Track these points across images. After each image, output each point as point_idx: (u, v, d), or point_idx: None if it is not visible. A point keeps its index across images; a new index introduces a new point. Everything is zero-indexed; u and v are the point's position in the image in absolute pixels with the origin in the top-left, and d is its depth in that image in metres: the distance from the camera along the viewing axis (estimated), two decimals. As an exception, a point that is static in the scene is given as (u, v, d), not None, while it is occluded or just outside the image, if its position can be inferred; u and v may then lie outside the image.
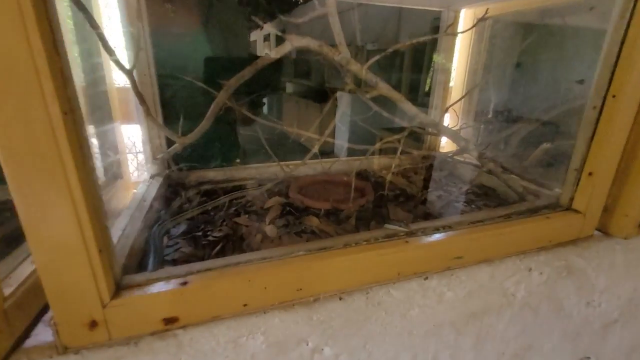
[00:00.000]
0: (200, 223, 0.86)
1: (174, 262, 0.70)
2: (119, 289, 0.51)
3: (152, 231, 0.78)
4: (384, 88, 0.86)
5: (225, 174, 1.18)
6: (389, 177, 1.13)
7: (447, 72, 1.39)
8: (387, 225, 0.73)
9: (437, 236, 0.71)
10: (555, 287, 0.89)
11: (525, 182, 0.98)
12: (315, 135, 0.99)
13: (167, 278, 0.54)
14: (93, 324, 0.49)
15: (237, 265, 0.58)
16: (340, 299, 0.65)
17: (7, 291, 0.49)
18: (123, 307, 0.50)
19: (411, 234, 0.71)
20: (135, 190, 0.95)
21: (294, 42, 0.76)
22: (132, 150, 1.16)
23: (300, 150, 1.34)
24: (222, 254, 0.73)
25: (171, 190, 1.04)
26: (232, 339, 0.59)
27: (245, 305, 0.57)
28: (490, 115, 1.31)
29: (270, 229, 0.81)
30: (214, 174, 1.17)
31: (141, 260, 0.69)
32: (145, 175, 1.06)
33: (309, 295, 0.61)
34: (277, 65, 1.25)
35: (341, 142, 1.07)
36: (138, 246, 0.69)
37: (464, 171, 1.26)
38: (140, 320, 0.52)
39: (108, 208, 0.82)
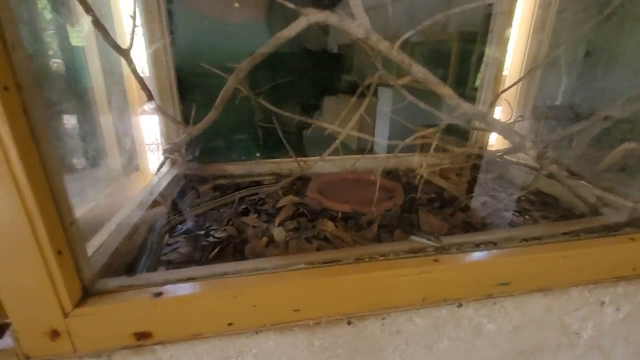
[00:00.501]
0: (207, 220, 0.79)
1: (169, 264, 0.64)
2: (87, 295, 0.45)
3: (154, 227, 0.72)
4: (419, 72, 0.72)
5: (244, 168, 1.12)
6: (423, 172, 0.97)
7: (500, 62, 1.19)
8: (413, 237, 0.60)
9: (477, 255, 0.56)
10: (636, 327, 0.69)
11: (599, 190, 0.77)
12: (337, 128, 0.88)
13: (141, 287, 0.47)
14: (54, 334, 0.43)
15: (222, 277, 0.49)
16: (349, 323, 0.54)
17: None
18: (88, 317, 0.43)
19: (443, 249, 0.57)
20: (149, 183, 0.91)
21: (310, 17, 0.65)
22: (154, 142, 1.14)
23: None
24: (220, 257, 0.65)
25: (186, 183, 0.99)
26: (219, 358, 0.51)
27: (230, 324, 0.48)
28: (553, 107, 1.09)
29: (277, 232, 0.72)
30: (232, 167, 1.11)
31: (136, 259, 0.64)
32: (165, 168, 1.02)
33: (308, 318, 0.51)
34: (335, 65, 1.16)
35: (371, 136, 0.94)
36: (132, 244, 0.64)
37: (517, 174, 1.06)
38: (107, 334, 0.45)
39: (118, 202, 0.78)
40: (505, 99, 1.06)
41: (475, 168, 1.17)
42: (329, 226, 0.74)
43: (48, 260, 0.39)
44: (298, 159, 0.92)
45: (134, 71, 0.63)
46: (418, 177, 1.05)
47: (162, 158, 1.02)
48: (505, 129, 0.76)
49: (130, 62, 0.61)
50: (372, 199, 0.95)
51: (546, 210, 0.86)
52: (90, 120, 0.92)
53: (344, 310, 0.52)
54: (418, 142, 0.82)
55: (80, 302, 0.44)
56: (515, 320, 0.62)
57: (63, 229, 0.41)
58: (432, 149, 0.74)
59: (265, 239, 0.70)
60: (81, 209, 0.69)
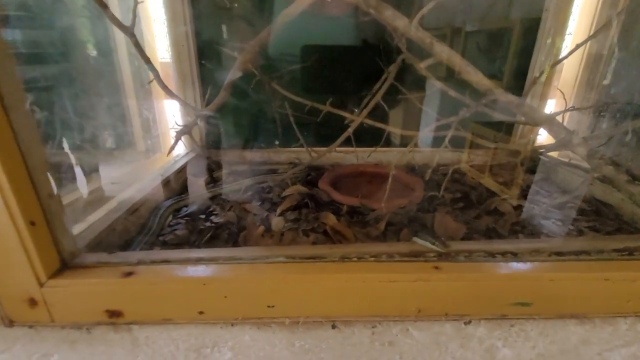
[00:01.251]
0: (212, 205, 0.78)
1: (164, 245, 0.64)
2: (64, 268, 0.46)
3: (158, 207, 0.73)
4: (443, 52, 0.63)
5: (262, 156, 1.10)
6: (454, 168, 0.87)
7: (557, 52, 1.02)
8: (416, 239, 0.52)
9: (490, 267, 0.48)
10: None
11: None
12: (350, 116, 0.81)
13: (116, 265, 0.46)
14: (32, 302, 0.44)
15: (196, 263, 0.47)
16: (334, 327, 0.49)
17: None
18: (62, 289, 0.44)
19: (448, 256, 0.49)
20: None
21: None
22: (174, 126, 1.17)
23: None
24: (213, 243, 0.63)
25: (202, 168, 1.00)
26: (194, 347, 0.49)
27: (201, 312, 0.46)
28: (620, 101, 0.90)
29: (276, 222, 0.69)
30: (251, 155, 1.10)
31: (135, 236, 0.65)
32: (183, 151, 1.04)
33: (283, 316, 0.46)
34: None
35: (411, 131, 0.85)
36: (131, 222, 0.65)
37: (566, 177, 0.91)
38: (82, 308, 0.45)
39: (131, 181, 0.81)
40: (559, 89, 0.90)
41: (517, 168, 1.03)
42: (330, 219, 0.68)
43: (20, 230, 0.40)
44: (313, 148, 0.87)
45: (137, 45, 0.63)
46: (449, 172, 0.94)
47: (183, 141, 1.03)
48: (547, 121, 0.64)
49: (132, 38, 0.61)
50: (392, 195, 0.87)
51: (598, 220, 0.71)
52: (115, 102, 0.97)
53: (325, 312, 0.47)
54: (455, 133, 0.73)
55: (56, 274, 0.44)
56: (540, 348, 0.51)
57: (39, 201, 0.41)
58: (465, 145, 0.64)
59: (262, 228, 0.67)
60: (93, 187, 0.71)
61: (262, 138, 1.14)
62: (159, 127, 1.02)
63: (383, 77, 0.87)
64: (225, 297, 0.45)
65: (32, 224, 0.41)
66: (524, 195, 0.84)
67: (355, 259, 0.48)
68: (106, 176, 0.87)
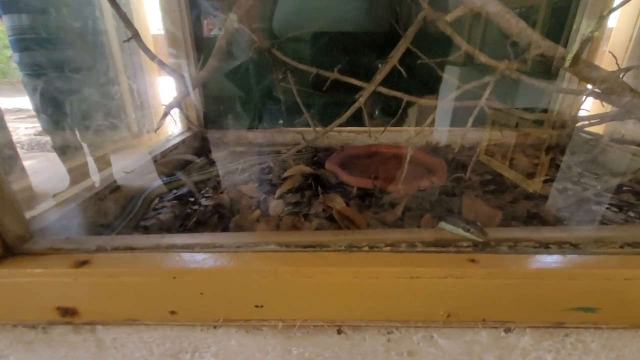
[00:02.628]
0: (204, 187, 0.69)
1: (144, 231, 0.55)
2: (7, 255, 0.37)
3: (143, 189, 0.64)
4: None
5: (265, 136, 1.00)
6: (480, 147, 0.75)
7: (598, 33, 0.87)
8: (443, 224, 0.41)
9: (543, 260, 0.37)
10: None
11: None
12: (360, 83, 0.70)
13: (70, 252, 0.38)
14: (-31, 296, 0.36)
15: (167, 251, 0.37)
16: (340, 332, 0.39)
17: None
18: (3, 281, 0.35)
19: (486, 246, 0.38)
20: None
21: None
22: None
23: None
24: (202, 229, 0.54)
25: (198, 148, 0.91)
26: (171, 352, 0.40)
27: (172, 312, 0.37)
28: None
29: (275, 205, 0.59)
30: (252, 135, 1.01)
31: (112, 222, 0.56)
32: (178, 130, 0.96)
33: (274, 318, 0.37)
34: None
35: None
36: (105, 205, 0.56)
37: (618, 157, 0.77)
38: (30, 304, 0.37)
39: (114, 161, 0.73)
40: (610, 52, 0.76)
41: (558, 148, 0.90)
42: (337, 203, 0.58)
43: (-62, 205, 0.31)
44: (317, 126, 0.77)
45: (113, 3, 0.54)
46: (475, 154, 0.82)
47: (179, 121, 0.95)
48: (608, 80, 0.51)
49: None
50: (408, 177, 0.76)
51: (665, 206, 0.58)
52: (104, 81, 0.89)
53: (329, 314, 0.37)
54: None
55: (-4, 262, 0.36)
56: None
57: (-35, 170, 0.33)
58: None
59: (257, 212, 0.57)
60: (70, 164, 0.64)
61: (265, 117, 1.04)
62: (151, 105, 0.94)
63: (400, 43, 0.75)
64: (202, 293, 0.35)
65: (-44, 199, 0.32)
66: (567, 177, 0.71)
67: (366, 248, 0.37)
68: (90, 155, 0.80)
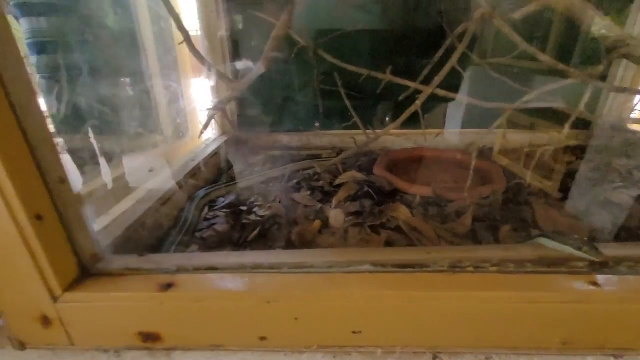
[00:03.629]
0: (252, 195, 0.67)
1: (203, 243, 0.52)
2: (84, 276, 0.35)
3: (192, 198, 0.62)
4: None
5: (300, 139, 0.98)
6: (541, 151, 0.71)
7: None
8: (543, 240, 0.38)
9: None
10: None
11: None
12: (413, 84, 0.67)
13: (150, 272, 0.35)
14: (45, 321, 0.33)
15: (254, 271, 0.35)
16: (436, 359, 0.36)
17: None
18: (82, 305, 0.33)
19: (604, 266, 0.34)
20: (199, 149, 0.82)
21: None
22: (205, 106, 1.05)
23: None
24: (262, 242, 0.52)
25: (235, 153, 0.89)
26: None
27: (262, 339, 0.34)
28: None
29: (335, 215, 0.56)
30: (288, 138, 0.98)
31: (169, 233, 0.54)
32: (214, 135, 0.93)
33: (373, 345, 0.34)
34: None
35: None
36: (162, 215, 0.54)
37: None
38: (108, 328, 0.34)
39: (155, 168, 0.70)
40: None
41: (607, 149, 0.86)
42: (402, 213, 0.55)
43: (22, 226, 0.29)
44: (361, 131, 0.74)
45: (168, 4, 0.51)
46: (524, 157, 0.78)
47: (212, 125, 0.92)
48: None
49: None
50: (459, 182, 0.73)
51: None
52: (140, 84, 0.87)
53: (429, 341, 0.34)
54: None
55: (74, 285, 0.33)
56: None
57: (46, 188, 0.30)
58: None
59: (318, 223, 0.55)
60: (113, 174, 0.61)
61: (300, 120, 1.01)
62: (186, 109, 0.92)
63: (449, 41, 0.72)
64: (296, 319, 0.33)
65: (39, 218, 0.30)
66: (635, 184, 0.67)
67: (470, 268, 0.34)
68: (129, 163, 0.77)
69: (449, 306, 0.32)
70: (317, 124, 0.99)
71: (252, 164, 0.84)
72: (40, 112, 0.29)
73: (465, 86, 0.89)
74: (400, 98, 0.71)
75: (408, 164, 0.82)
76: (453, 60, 0.63)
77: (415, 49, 0.92)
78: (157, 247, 0.50)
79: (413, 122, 1.10)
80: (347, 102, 0.72)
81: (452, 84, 0.72)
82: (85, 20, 0.81)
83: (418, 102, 0.64)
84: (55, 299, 0.32)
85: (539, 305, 0.32)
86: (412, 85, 0.66)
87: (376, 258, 0.35)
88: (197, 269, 0.35)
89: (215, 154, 0.79)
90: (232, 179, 0.76)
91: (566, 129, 0.57)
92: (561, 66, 0.62)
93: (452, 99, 0.65)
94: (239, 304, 0.32)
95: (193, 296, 0.32)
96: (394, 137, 0.94)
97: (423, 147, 0.88)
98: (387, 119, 1.02)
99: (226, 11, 0.84)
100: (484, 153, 0.87)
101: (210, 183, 0.75)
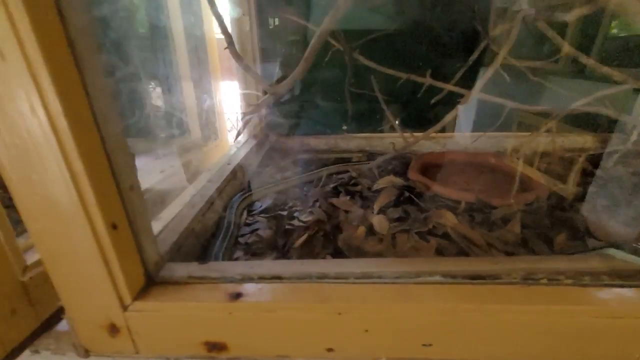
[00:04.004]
0: (288, 198, 0.66)
1: (247, 248, 0.52)
2: (150, 284, 0.35)
3: (231, 203, 0.62)
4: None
5: (328, 142, 0.97)
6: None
7: None
8: (612, 251, 0.37)
9: None
10: None
11: None
12: (456, 89, 0.66)
13: (215, 281, 0.35)
14: (113, 329, 0.33)
15: (320, 281, 0.34)
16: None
17: (33, 258, 0.38)
18: (151, 314, 0.33)
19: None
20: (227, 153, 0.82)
21: None
22: (234, 109, 1.05)
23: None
24: (307, 248, 0.51)
25: (265, 156, 0.88)
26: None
27: (329, 350, 0.33)
28: None
29: (378, 221, 0.55)
30: (315, 141, 0.97)
31: (210, 239, 0.54)
32: (243, 138, 0.93)
33: (442, 357, 0.33)
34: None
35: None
36: (206, 220, 0.54)
37: None
38: (174, 337, 0.34)
39: (193, 171, 0.70)
40: None
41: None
42: (449, 219, 0.54)
43: (100, 236, 0.29)
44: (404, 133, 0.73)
45: (215, 12, 0.51)
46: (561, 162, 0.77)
47: (239, 126, 0.92)
48: None
49: (212, 3, 0.49)
50: (498, 187, 0.72)
51: None
52: (171, 86, 0.87)
53: (502, 356, 0.33)
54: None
55: (142, 294, 0.33)
56: None
57: (120, 195, 0.30)
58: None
59: (362, 229, 0.54)
60: (153, 178, 0.61)
61: (327, 122, 1.01)
62: (216, 111, 0.92)
63: (484, 44, 0.71)
64: (366, 330, 0.32)
65: (114, 227, 0.29)
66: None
67: (544, 280, 0.33)
68: (164, 166, 0.77)
69: (525, 320, 0.31)
70: (344, 127, 0.98)
71: (283, 167, 0.84)
72: (117, 118, 0.29)
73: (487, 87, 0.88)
74: (433, 101, 0.70)
75: (440, 167, 0.81)
76: (495, 65, 0.62)
77: (446, 50, 0.91)
78: (203, 252, 0.50)
79: (425, 124, 1.09)
80: (385, 107, 0.71)
81: (467, 85, 0.71)
82: (115, 21, 0.81)
83: (459, 106, 0.63)
84: (125, 307, 0.32)
85: (622, 320, 0.31)
86: (454, 89, 0.65)
87: (446, 268, 0.34)
88: (262, 278, 0.35)
89: (247, 156, 0.79)
90: (264, 181, 0.76)
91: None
92: (608, 70, 0.60)
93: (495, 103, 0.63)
94: (309, 315, 0.32)
95: (263, 306, 0.32)
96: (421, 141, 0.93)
97: (454, 151, 0.87)
98: (397, 121, 1.02)
99: (257, 14, 0.84)
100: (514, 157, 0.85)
101: (244, 187, 0.75)
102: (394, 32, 0.84)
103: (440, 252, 0.49)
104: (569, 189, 0.63)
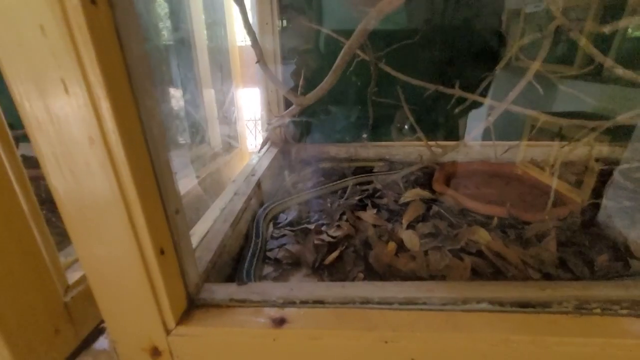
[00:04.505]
0: (312, 210, 0.66)
1: (276, 265, 0.52)
2: (191, 307, 0.34)
3: (256, 216, 0.61)
4: None
5: (348, 150, 0.96)
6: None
7: None
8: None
9: None
10: None
11: None
12: (484, 99, 0.65)
13: (256, 305, 0.34)
14: (155, 352, 0.33)
15: (363, 307, 0.33)
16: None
17: (74, 277, 0.38)
18: (193, 338, 0.32)
19: None
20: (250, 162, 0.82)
21: None
22: (252, 119, 1.05)
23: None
24: (339, 264, 0.50)
25: (286, 164, 0.88)
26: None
27: (375, 378, 0.32)
28: None
29: (409, 237, 0.54)
30: (336, 150, 0.97)
31: (240, 252, 0.53)
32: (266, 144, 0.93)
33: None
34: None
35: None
36: (237, 233, 0.53)
37: None
38: (215, 362, 0.33)
39: (218, 181, 0.70)
40: None
41: None
42: (483, 236, 0.53)
43: (148, 261, 0.28)
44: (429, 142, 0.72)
45: (247, 22, 0.51)
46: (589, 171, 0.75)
47: (258, 134, 0.92)
48: None
49: (243, 12, 0.49)
50: (527, 201, 0.70)
51: None
52: (193, 94, 0.87)
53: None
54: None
55: (184, 317, 0.33)
56: None
57: (167, 220, 0.30)
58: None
59: (393, 245, 0.53)
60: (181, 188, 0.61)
61: (347, 131, 1.00)
62: (236, 120, 0.92)
63: (509, 54, 0.70)
64: (412, 359, 0.31)
65: (162, 252, 0.29)
66: None
67: (597, 310, 0.32)
68: (187, 175, 0.78)
69: (582, 353, 0.30)
70: (364, 135, 0.98)
71: (304, 176, 0.83)
72: (164, 140, 0.29)
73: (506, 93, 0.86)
74: (456, 111, 0.69)
75: (465, 178, 0.80)
76: (528, 76, 0.61)
77: (471, 57, 0.90)
78: (234, 268, 0.50)
79: (448, 131, 1.07)
80: (410, 117, 0.70)
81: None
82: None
83: (490, 119, 0.62)
84: (168, 331, 0.32)
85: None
86: (483, 100, 0.63)
87: (493, 295, 0.33)
88: (303, 302, 0.34)
89: (270, 166, 0.79)
90: (287, 192, 0.75)
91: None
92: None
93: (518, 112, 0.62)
94: (355, 342, 0.31)
95: (308, 334, 0.31)
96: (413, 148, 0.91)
97: (478, 161, 0.86)
98: (406, 126, 1.01)
99: (281, 23, 0.83)
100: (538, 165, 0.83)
101: (269, 198, 0.75)
102: (419, 41, 0.83)
103: (475, 272, 0.48)
104: (604, 203, 0.62)
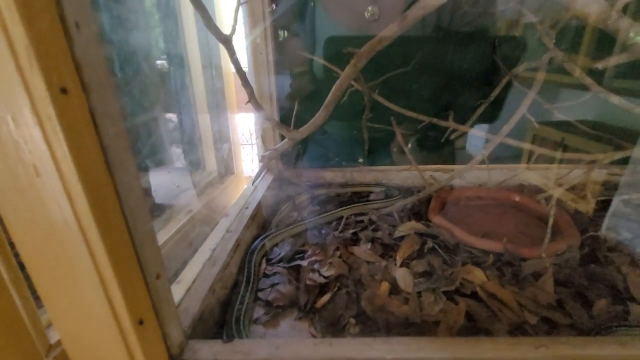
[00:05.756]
0: (306, 243, 0.65)
1: (267, 308, 0.51)
2: (173, 369, 0.33)
3: (248, 252, 0.61)
4: None
5: (344, 175, 0.96)
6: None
7: None
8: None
9: None
10: None
11: None
12: (482, 133, 0.65)
13: (242, 368, 0.33)
14: (135, 420, 0.32)
15: (353, 370, 0.32)
16: None
17: (57, 336, 0.37)
18: (174, 405, 0.31)
19: None
20: (245, 191, 0.82)
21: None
22: (249, 141, 1.06)
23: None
24: (330, 306, 0.49)
25: (281, 192, 0.87)
26: None
27: None
28: None
29: (402, 276, 0.53)
30: (331, 175, 0.96)
31: (231, 295, 0.52)
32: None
33: None
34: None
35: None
36: (227, 278, 0.52)
37: None
38: None
39: (213, 214, 0.69)
40: None
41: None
42: (477, 277, 0.52)
43: (125, 333, 0.28)
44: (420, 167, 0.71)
45: (236, 62, 0.51)
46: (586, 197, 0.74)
47: (255, 157, 0.92)
48: None
49: (231, 52, 0.49)
50: (525, 232, 0.69)
51: None
52: (187, 120, 0.88)
53: None
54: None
55: (164, 382, 0.32)
56: None
57: (146, 287, 0.29)
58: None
59: (386, 285, 0.52)
60: (174, 223, 0.61)
61: (343, 155, 1.00)
62: (231, 145, 0.92)
63: (505, 80, 0.70)
64: None
65: (141, 322, 0.28)
66: None
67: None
68: (184, 205, 0.77)
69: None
70: (360, 160, 0.97)
71: (299, 204, 0.83)
72: (147, 214, 0.28)
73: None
74: (452, 137, 0.69)
75: (461, 207, 0.79)
76: (522, 109, 0.60)
77: (464, 84, 0.90)
78: (224, 312, 0.49)
79: (432, 152, 1.05)
80: (404, 147, 0.70)
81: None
82: (131, 50, 0.82)
83: (485, 152, 0.62)
84: (147, 400, 0.31)
85: None
86: (480, 134, 0.63)
87: (483, 355, 0.32)
88: (291, 365, 0.33)
89: (265, 196, 0.78)
90: (282, 222, 0.75)
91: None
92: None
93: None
94: (341, 411, 0.30)
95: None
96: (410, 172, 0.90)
97: (474, 187, 0.85)
98: (395, 149, 1.00)
99: (275, 52, 0.84)
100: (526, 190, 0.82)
101: (262, 229, 0.74)
102: (412, 70, 0.83)
103: (469, 316, 0.47)
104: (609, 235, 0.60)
